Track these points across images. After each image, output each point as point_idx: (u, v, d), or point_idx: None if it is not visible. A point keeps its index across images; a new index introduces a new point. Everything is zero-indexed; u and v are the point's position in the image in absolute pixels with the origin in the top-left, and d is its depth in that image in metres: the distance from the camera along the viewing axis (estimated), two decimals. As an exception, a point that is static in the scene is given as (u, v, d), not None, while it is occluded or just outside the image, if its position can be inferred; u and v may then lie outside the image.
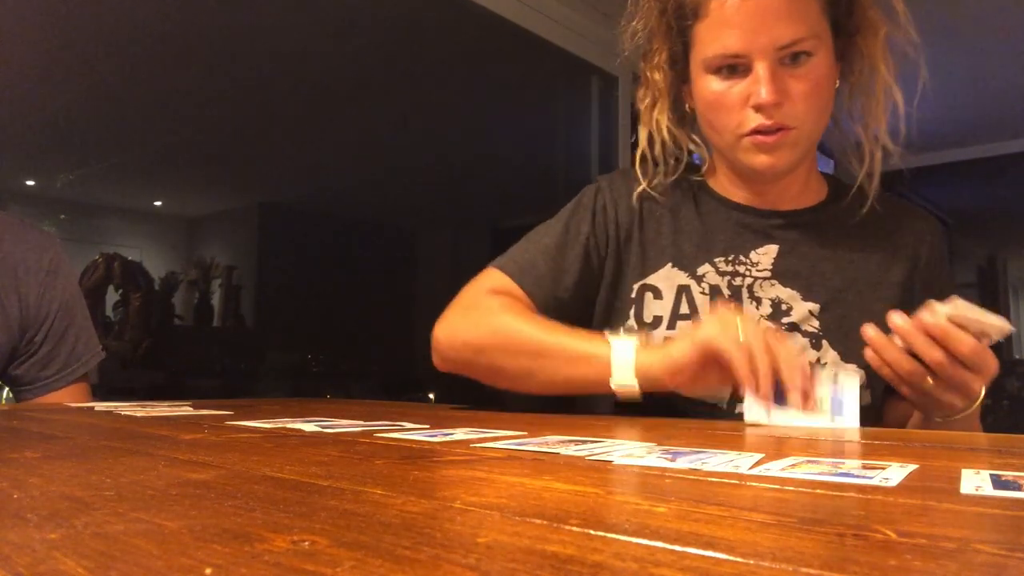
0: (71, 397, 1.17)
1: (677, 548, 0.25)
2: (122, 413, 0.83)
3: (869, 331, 0.70)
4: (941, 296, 0.77)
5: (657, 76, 0.91)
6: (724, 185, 0.94)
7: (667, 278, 0.91)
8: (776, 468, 0.42)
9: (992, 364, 0.68)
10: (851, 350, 0.83)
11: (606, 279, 0.95)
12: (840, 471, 0.40)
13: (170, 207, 6.47)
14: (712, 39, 0.82)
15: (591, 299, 0.95)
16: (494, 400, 1.15)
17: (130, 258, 4.62)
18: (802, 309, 0.86)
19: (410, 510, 0.31)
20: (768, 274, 0.88)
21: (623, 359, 0.76)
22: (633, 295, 0.92)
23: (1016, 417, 4.11)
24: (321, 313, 5.79)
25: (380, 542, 0.25)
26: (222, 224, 6.48)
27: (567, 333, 0.84)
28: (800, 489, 0.36)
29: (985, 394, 0.75)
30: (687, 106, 0.92)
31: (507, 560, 0.23)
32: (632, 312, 0.91)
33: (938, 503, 0.33)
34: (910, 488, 0.36)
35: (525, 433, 0.61)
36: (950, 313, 0.66)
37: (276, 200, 6.02)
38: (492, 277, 0.95)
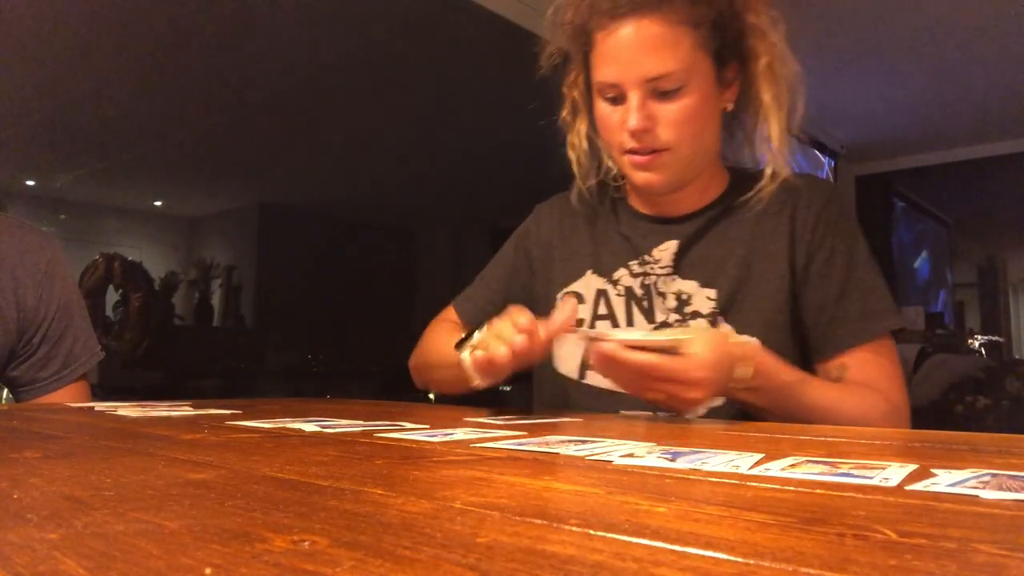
0: (70, 397, 1.17)
1: (677, 548, 0.25)
2: (122, 413, 0.83)
3: (617, 344, 0.76)
4: (823, 260, 0.91)
5: (575, 94, 1.01)
6: (635, 198, 1.04)
7: (587, 284, 1.01)
8: (776, 468, 0.42)
9: (689, 370, 0.73)
10: (744, 323, 0.90)
11: (535, 291, 1.07)
12: (840, 471, 0.40)
13: (170, 207, 6.47)
14: (598, 68, 0.92)
15: (528, 303, 1.07)
16: (495, 398, 1.16)
17: (130, 258, 4.63)
18: (700, 296, 0.94)
19: (410, 510, 0.31)
20: (670, 270, 0.96)
21: (466, 361, 0.86)
22: (558, 302, 1.02)
23: (1016, 417, 4.11)
24: (321, 313, 5.79)
25: (380, 542, 0.26)
26: (222, 224, 6.48)
27: (447, 340, 0.97)
28: (800, 489, 0.36)
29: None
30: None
31: (507, 560, 0.23)
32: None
33: (938, 503, 0.33)
34: (910, 488, 0.36)
35: (525, 433, 0.61)
36: (623, 338, 0.74)
37: (276, 200, 6.03)
38: (445, 310, 1.14)
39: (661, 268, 0.96)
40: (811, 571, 0.22)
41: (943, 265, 6.97)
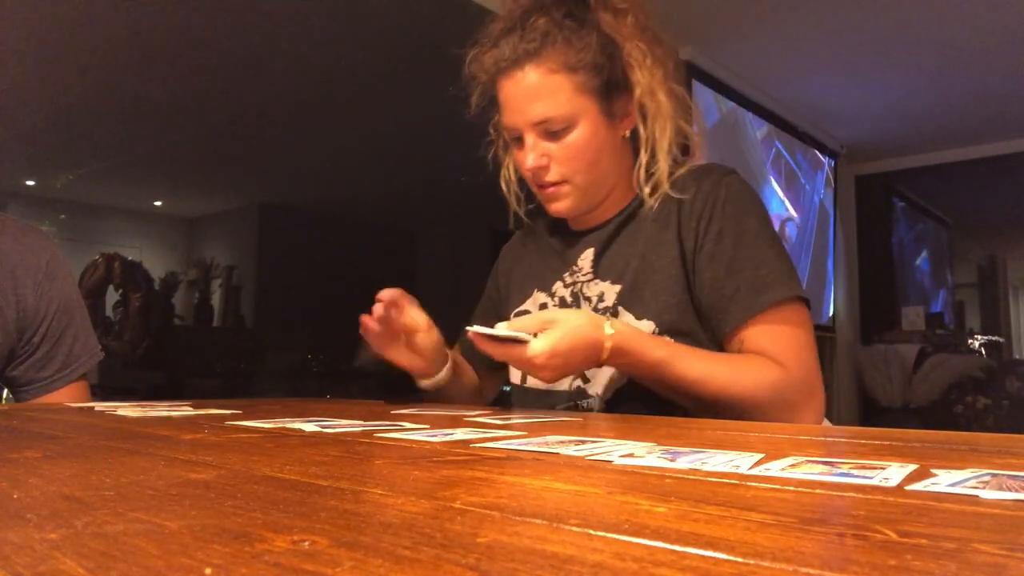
0: (70, 397, 1.17)
1: (677, 548, 0.25)
2: (122, 413, 0.83)
3: (469, 333, 0.89)
4: (711, 239, 0.96)
5: (504, 132, 1.08)
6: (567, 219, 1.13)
7: (534, 301, 1.12)
8: (776, 468, 0.42)
9: (523, 356, 0.85)
10: (644, 310, 0.98)
11: (503, 314, 1.17)
12: (840, 471, 0.40)
13: (170, 207, 6.47)
14: (501, 115, 1.03)
15: None
16: (495, 399, 1.18)
17: (130, 258, 4.62)
18: (610, 292, 1.02)
19: (410, 510, 0.31)
20: (591, 276, 1.05)
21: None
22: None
23: (1016, 417, 4.11)
24: (321, 313, 5.79)
25: (380, 542, 0.26)
26: (222, 224, 6.48)
27: None
28: (800, 489, 0.36)
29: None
30: None
31: (507, 560, 0.23)
32: None
33: (938, 503, 0.33)
34: (910, 488, 0.36)
35: (525, 433, 0.61)
36: (476, 329, 0.87)
37: (276, 200, 6.03)
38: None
39: (584, 275, 1.06)
40: (811, 571, 0.22)
41: (943, 265, 6.96)
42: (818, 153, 5.07)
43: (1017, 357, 7.24)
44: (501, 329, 0.86)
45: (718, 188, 0.99)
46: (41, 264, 1.16)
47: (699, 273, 0.96)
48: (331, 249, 6.06)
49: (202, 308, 5.65)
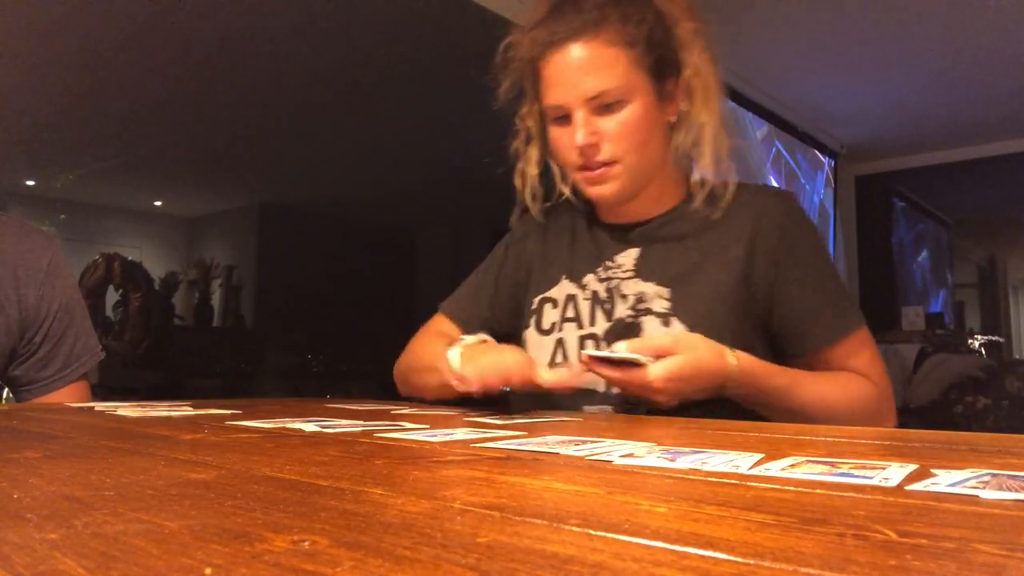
0: (71, 397, 1.17)
1: (677, 548, 0.25)
2: (122, 413, 0.83)
3: (584, 356, 0.87)
4: (794, 266, 0.96)
5: (529, 123, 1.08)
6: (600, 210, 1.10)
7: (561, 290, 1.08)
8: (776, 468, 0.42)
9: (641, 379, 0.83)
10: (696, 322, 0.96)
11: (522, 299, 1.14)
12: (840, 471, 0.40)
13: (170, 207, 6.47)
14: (545, 94, 0.99)
15: (516, 311, 1.14)
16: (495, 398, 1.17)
17: (130, 258, 4.62)
18: (656, 297, 0.99)
19: (410, 510, 0.31)
20: (632, 273, 1.03)
21: (452, 365, 0.93)
22: (534, 307, 1.09)
23: (1016, 417, 4.11)
24: (321, 313, 5.79)
25: (380, 542, 0.26)
26: (222, 224, 6.48)
27: (436, 349, 1.01)
28: (800, 489, 0.36)
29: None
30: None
31: (507, 560, 0.23)
32: (532, 321, 1.08)
33: (938, 503, 0.33)
34: (910, 488, 0.36)
35: (525, 433, 0.61)
36: (592, 352, 0.86)
37: (276, 200, 6.02)
38: (433, 318, 1.20)
39: (624, 272, 1.03)
40: (811, 571, 0.22)
41: (943, 265, 6.96)
42: (818, 153, 5.07)
43: (1017, 357, 7.24)
44: (620, 351, 0.85)
45: (792, 213, 1.01)
46: (43, 264, 1.16)
47: (783, 292, 0.97)
48: (331, 249, 6.06)
49: (202, 308, 5.65)
